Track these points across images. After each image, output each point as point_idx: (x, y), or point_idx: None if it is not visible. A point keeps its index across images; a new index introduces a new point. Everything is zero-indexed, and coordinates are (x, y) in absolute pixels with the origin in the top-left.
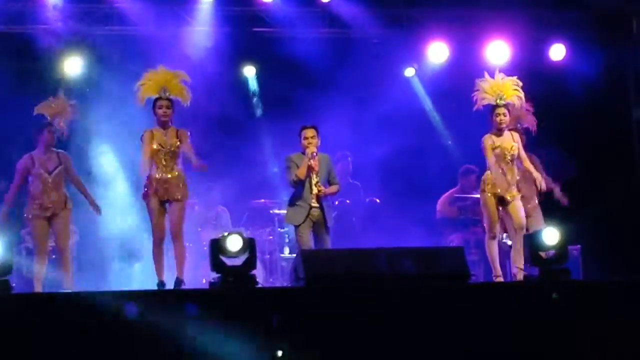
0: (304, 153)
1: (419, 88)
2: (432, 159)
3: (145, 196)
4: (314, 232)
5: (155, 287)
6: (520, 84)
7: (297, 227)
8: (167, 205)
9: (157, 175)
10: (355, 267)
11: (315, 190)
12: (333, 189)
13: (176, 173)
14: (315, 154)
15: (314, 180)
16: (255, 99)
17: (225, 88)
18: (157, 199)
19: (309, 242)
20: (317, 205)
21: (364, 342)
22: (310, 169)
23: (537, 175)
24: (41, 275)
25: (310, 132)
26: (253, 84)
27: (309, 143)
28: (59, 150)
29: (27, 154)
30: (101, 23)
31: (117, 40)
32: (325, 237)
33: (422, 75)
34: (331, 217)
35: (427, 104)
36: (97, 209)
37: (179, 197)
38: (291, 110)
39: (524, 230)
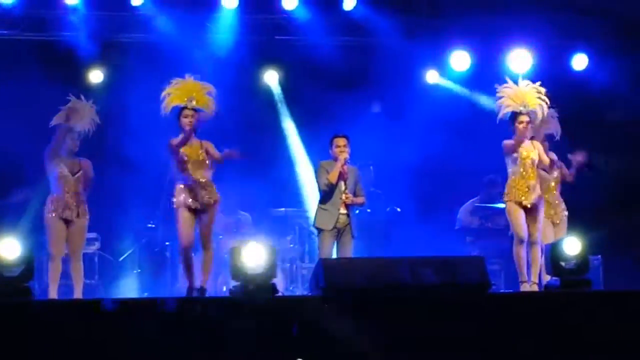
0: (335, 160)
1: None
2: (456, 168)
3: (176, 204)
4: (338, 239)
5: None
6: (544, 90)
7: (322, 231)
8: (196, 213)
9: (186, 183)
10: (375, 276)
11: (343, 197)
12: (360, 199)
13: (204, 180)
14: (347, 160)
15: (343, 187)
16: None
17: (247, 95)
18: (187, 208)
19: (328, 250)
20: (345, 212)
21: (384, 351)
22: (341, 174)
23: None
24: (56, 280)
25: (342, 141)
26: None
27: (341, 151)
28: (81, 158)
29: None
30: (124, 30)
31: (140, 48)
32: (349, 245)
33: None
34: (356, 227)
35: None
36: None
37: (210, 203)
38: (313, 117)
39: (537, 244)
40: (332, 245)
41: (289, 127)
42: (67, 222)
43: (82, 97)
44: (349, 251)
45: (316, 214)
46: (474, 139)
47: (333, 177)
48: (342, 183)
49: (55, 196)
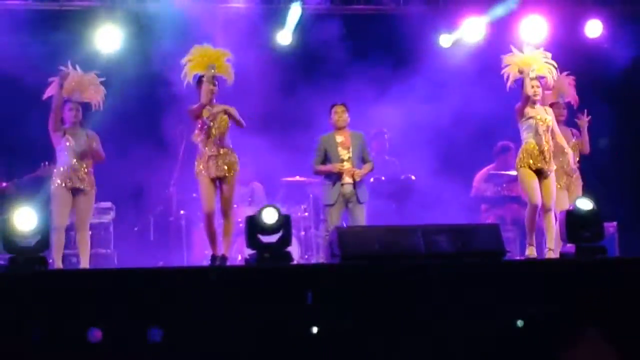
0: (335, 127)
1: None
2: (469, 136)
3: (197, 173)
4: (347, 208)
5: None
6: (549, 55)
7: (327, 206)
8: (217, 181)
9: (207, 152)
10: (390, 244)
11: (354, 175)
12: (367, 167)
13: (225, 148)
14: (344, 161)
15: (346, 156)
16: None
17: (262, 61)
18: (208, 176)
19: (337, 223)
20: (349, 181)
21: (398, 319)
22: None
23: (569, 151)
24: (60, 250)
25: (340, 108)
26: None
27: (339, 118)
28: (88, 130)
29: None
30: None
31: (153, 16)
32: (359, 212)
33: (459, 49)
34: (364, 191)
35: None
36: None
37: (230, 173)
38: (326, 87)
39: (551, 211)
40: (339, 218)
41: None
42: (74, 193)
43: (77, 67)
44: (361, 219)
45: (322, 189)
46: (489, 106)
47: (321, 170)
48: (345, 152)
49: (61, 167)
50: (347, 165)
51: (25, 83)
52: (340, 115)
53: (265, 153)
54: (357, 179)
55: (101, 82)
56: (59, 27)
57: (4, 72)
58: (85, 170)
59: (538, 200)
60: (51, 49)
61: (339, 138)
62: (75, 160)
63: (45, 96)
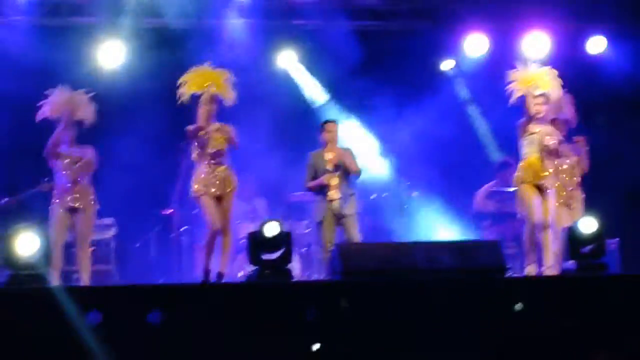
0: (325, 145)
1: (459, 83)
2: (470, 153)
3: (195, 191)
4: (339, 224)
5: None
6: (556, 72)
7: (317, 224)
8: (216, 199)
9: (205, 170)
10: (391, 260)
11: (335, 181)
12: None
13: (223, 166)
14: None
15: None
16: None
17: (262, 79)
18: (208, 195)
19: (330, 239)
20: (336, 197)
21: (399, 336)
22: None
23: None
24: (58, 269)
25: (331, 126)
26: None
27: (330, 136)
28: (85, 146)
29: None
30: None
31: (154, 33)
32: (350, 225)
33: (461, 67)
34: (353, 203)
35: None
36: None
37: (227, 190)
38: (327, 103)
39: (548, 229)
40: (332, 234)
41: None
42: (73, 211)
43: (67, 88)
44: (353, 231)
45: (313, 206)
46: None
47: (312, 186)
48: (331, 167)
49: (59, 187)
50: (335, 181)
51: (27, 98)
52: (332, 133)
53: (268, 170)
54: (341, 165)
55: (95, 98)
56: (62, 42)
57: (7, 86)
58: (83, 189)
59: (537, 217)
60: (54, 64)
61: (328, 155)
62: (72, 180)
63: (38, 118)
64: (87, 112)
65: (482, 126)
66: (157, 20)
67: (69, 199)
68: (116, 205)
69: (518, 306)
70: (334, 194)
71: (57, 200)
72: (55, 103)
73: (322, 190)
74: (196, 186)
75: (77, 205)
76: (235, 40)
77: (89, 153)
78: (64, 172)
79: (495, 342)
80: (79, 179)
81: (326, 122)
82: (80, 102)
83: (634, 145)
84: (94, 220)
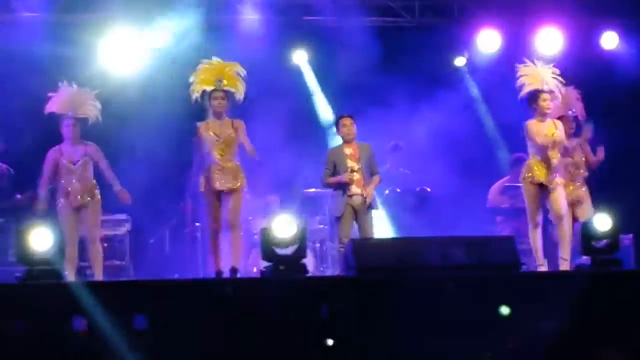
0: (343, 140)
1: (470, 79)
2: (485, 149)
3: (203, 187)
4: (356, 219)
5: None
6: (558, 71)
7: (336, 218)
8: (223, 195)
9: (214, 168)
10: (406, 256)
11: (356, 176)
12: (375, 180)
13: (233, 164)
14: (354, 171)
15: (356, 167)
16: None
17: (277, 76)
18: (214, 191)
19: (348, 235)
20: (357, 192)
21: (413, 331)
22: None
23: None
24: (73, 265)
25: (348, 121)
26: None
27: (348, 130)
28: (88, 142)
29: (57, 146)
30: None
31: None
32: (367, 221)
33: (473, 64)
34: (374, 199)
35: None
36: (125, 196)
37: (236, 186)
38: (341, 100)
39: (564, 220)
40: (350, 230)
41: (319, 108)
42: (79, 209)
43: (74, 84)
44: (369, 227)
45: (331, 201)
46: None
47: (332, 182)
48: (354, 164)
49: (61, 186)
50: (356, 176)
51: (39, 93)
52: (349, 127)
53: (282, 165)
54: (369, 200)
55: (108, 93)
56: (72, 38)
57: (20, 82)
58: (86, 186)
59: (539, 218)
60: (65, 60)
61: (348, 150)
62: (74, 178)
63: (46, 111)
64: (92, 109)
65: (493, 122)
66: (172, 15)
67: (73, 197)
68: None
69: (504, 310)
70: (355, 189)
71: (62, 200)
72: (60, 99)
73: (342, 185)
74: (203, 182)
75: (82, 203)
76: (249, 36)
77: (94, 151)
78: (65, 172)
79: (509, 338)
80: (82, 178)
81: (341, 116)
82: (85, 98)
83: None
84: (100, 216)
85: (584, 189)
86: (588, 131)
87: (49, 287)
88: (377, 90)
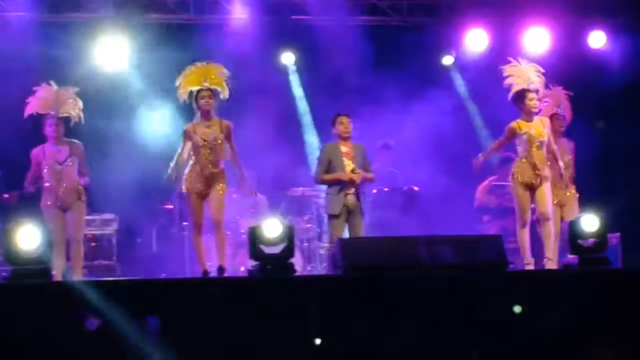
0: (340, 138)
1: (458, 78)
2: (472, 147)
3: (185, 190)
4: (348, 220)
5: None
6: (542, 70)
7: (330, 217)
8: (205, 198)
9: (198, 170)
10: (393, 255)
11: (354, 176)
12: (370, 175)
13: (216, 169)
14: (352, 178)
15: (350, 166)
16: None
17: (264, 76)
18: (196, 194)
19: (340, 234)
20: (352, 192)
21: (401, 330)
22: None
23: (561, 163)
24: (60, 266)
25: (345, 119)
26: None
27: (345, 128)
28: (73, 141)
29: (40, 146)
30: (140, 11)
31: (156, 29)
32: (358, 224)
33: (462, 63)
34: (366, 202)
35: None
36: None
37: (219, 188)
38: (330, 99)
39: (549, 220)
40: (343, 229)
41: (306, 108)
42: (63, 209)
43: (52, 83)
44: (360, 230)
45: (325, 198)
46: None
47: (328, 179)
48: (349, 162)
49: (47, 186)
50: (356, 174)
51: (27, 94)
52: (347, 125)
53: (269, 164)
54: (358, 181)
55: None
56: (63, 38)
57: (7, 82)
58: (72, 186)
59: (527, 218)
60: (55, 60)
61: (344, 148)
62: (57, 179)
63: (25, 114)
64: (74, 108)
65: (481, 121)
66: (159, 16)
67: (59, 197)
68: (117, 200)
69: (517, 308)
70: (352, 188)
71: (49, 202)
72: (41, 99)
73: (339, 183)
74: (186, 183)
75: (67, 203)
76: (236, 35)
77: (77, 149)
78: (48, 171)
79: (497, 338)
80: (65, 178)
81: (338, 115)
82: (67, 97)
83: (634, 141)
84: (84, 217)
85: (571, 189)
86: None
87: (36, 286)
88: (365, 89)
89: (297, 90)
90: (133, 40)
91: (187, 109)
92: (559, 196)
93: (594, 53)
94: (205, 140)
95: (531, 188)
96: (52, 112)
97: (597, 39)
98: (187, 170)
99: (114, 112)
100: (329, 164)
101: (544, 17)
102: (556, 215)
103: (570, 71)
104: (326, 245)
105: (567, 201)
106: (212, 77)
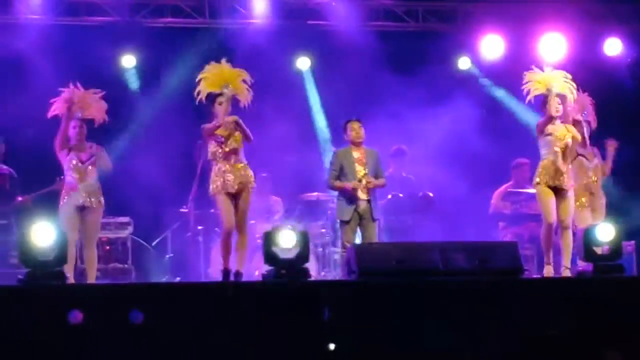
0: (352, 143)
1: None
2: (488, 154)
3: (214, 189)
4: (360, 225)
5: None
6: (570, 76)
7: (342, 222)
8: (233, 197)
9: (222, 168)
10: (408, 261)
11: (364, 182)
12: (380, 181)
13: (240, 164)
14: (363, 181)
15: (362, 172)
16: None
17: (280, 80)
18: (225, 191)
19: (352, 240)
20: (365, 198)
21: (415, 335)
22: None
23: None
24: (71, 266)
25: (356, 124)
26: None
27: (357, 134)
28: (94, 143)
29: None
30: (155, 16)
31: (172, 33)
32: (371, 229)
33: (478, 69)
34: (378, 208)
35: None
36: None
37: (246, 188)
38: (346, 105)
39: (568, 228)
40: (354, 235)
41: (321, 112)
42: (81, 210)
43: (79, 86)
44: (373, 235)
45: (337, 204)
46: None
47: (337, 186)
48: (361, 168)
49: (68, 185)
50: (363, 183)
51: (42, 97)
52: (358, 131)
53: (284, 169)
54: (370, 186)
55: (111, 96)
56: (78, 42)
57: (22, 85)
58: (91, 187)
59: (553, 219)
60: (73, 64)
61: (356, 154)
62: (80, 178)
63: (49, 115)
64: (98, 110)
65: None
66: (175, 20)
67: (77, 197)
68: (133, 203)
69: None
70: (362, 194)
71: (66, 198)
72: (66, 101)
73: (348, 192)
74: (214, 185)
75: (85, 204)
76: (254, 40)
77: (100, 153)
78: (72, 171)
79: (512, 344)
80: (89, 179)
81: (349, 120)
82: (92, 100)
83: None
84: (100, 219)
85: (599, 197)
86: (612, 148)
87: (51, 288)
88: (380, 94)
89: (313, 95)
90: (146, 44)
91: (204, 112)
92: (587, 198)
93: (609, 60)
94: (225, 138)
95: (555, 191)
96: (77, 115)
97: (613, 46)
98: (213, 171)
99: (128, 115)
100: (340, 170)
101: (560, 23)
102: (586, 217)
103: (585, 78)
104: (340, 250)
105: (596, 205)
106: (234, 83)
